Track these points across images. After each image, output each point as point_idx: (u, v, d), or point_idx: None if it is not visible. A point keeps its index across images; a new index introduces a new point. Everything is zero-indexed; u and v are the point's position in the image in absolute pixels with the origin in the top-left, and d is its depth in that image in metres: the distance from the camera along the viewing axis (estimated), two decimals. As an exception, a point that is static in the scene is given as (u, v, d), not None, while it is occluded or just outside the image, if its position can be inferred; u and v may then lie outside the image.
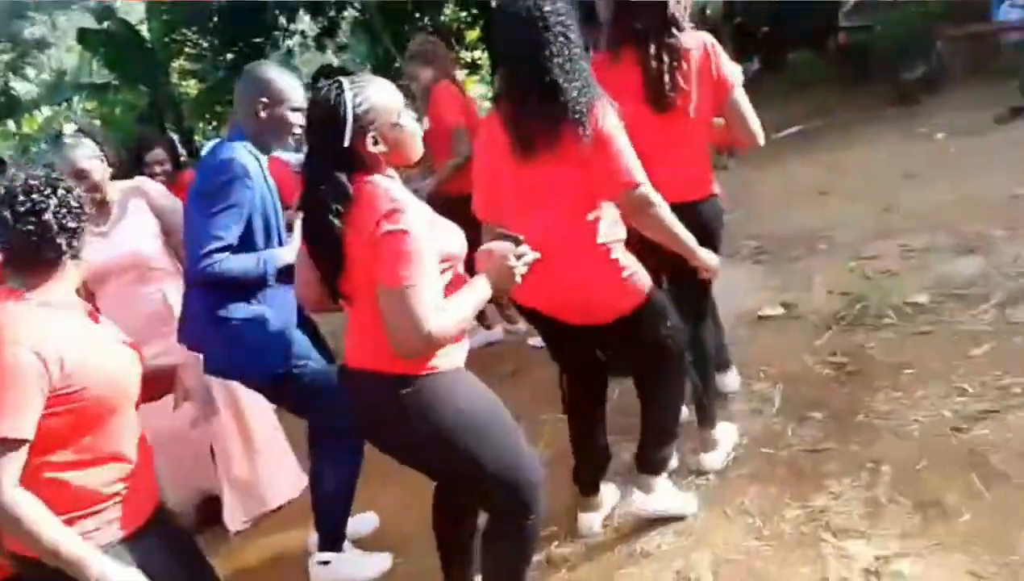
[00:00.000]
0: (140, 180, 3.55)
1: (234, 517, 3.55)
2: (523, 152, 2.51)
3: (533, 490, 2.27)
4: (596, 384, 2.95)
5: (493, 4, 11.21)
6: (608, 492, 3.05)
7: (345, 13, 13.58)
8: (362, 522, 3.28)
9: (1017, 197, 5.08)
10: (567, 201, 2.54)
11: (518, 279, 2.20)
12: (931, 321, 3.83)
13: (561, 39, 2.45)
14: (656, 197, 2.51)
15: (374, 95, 2.09)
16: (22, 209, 1.85)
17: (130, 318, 2.84)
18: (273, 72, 2.88)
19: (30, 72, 12.87)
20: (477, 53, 14.01)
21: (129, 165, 3.98)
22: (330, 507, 2.99)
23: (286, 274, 2.75)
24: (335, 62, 15.04)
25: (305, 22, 13.53)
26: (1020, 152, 6.03)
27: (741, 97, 2.89)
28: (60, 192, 1.90)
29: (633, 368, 2.87)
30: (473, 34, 13.86)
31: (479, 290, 2.14)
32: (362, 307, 2.09)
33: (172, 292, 3.31)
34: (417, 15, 12.34)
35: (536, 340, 4.68)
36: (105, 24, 12.32)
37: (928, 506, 2.66)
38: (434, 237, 2.06)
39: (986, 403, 3.10)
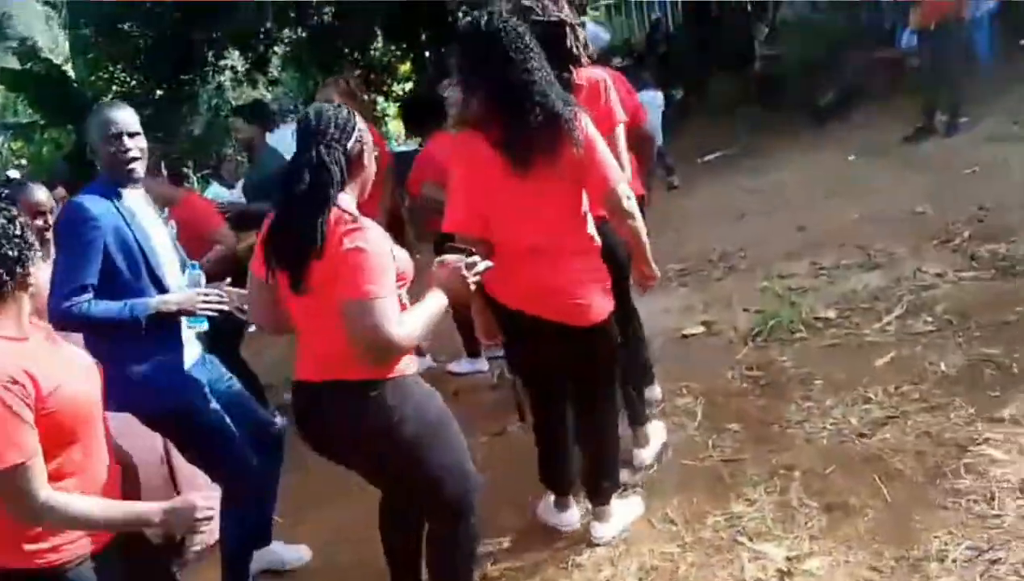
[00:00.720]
0: None
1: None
2: (521, 168, 2.57)
3: (476, 491, 2.43)
4: (559, 393, 3.04)
5: (455, 30, 11.39)
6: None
7: (276, 48, 13.61)
8: (292, 552, 3.34)
9: (919, 214, 5.41)
10: (563, 204, 2.67)
11: (471, 288, 2.35)
12: (838, 335, 4.08)
13: (532, 53, 2.55)
14: (631, 192, 2.67)
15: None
16: None
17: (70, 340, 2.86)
18: (103, 111, 2.88)
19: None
20: (408, 85, 14.14)
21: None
22: (232, 557, 3.02)
23: (168, 319, 2.79)
24: (267, 96, 15.07)
25: (234, 57, 13.52)
26: (923, 170, 6.43)
27: (620, 137, 2.99)
28: (1, 221, 1.90)
29: (577, 392, 2.99)
30: (404, 67, 14.03)
31: (435, 301, 2.28)
32: (321, 313, 2.18)
33: None
34: (346, 49, 12.44)
35: (455, 365, 4.96)
36: (28, 64, 12.15)
37: (835, 508, 2.85)
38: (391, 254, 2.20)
39: (888, 410, 3.33)
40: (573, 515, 3.15)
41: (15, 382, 1.82)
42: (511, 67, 2.54)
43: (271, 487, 3.13)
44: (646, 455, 3.38)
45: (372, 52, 12.94)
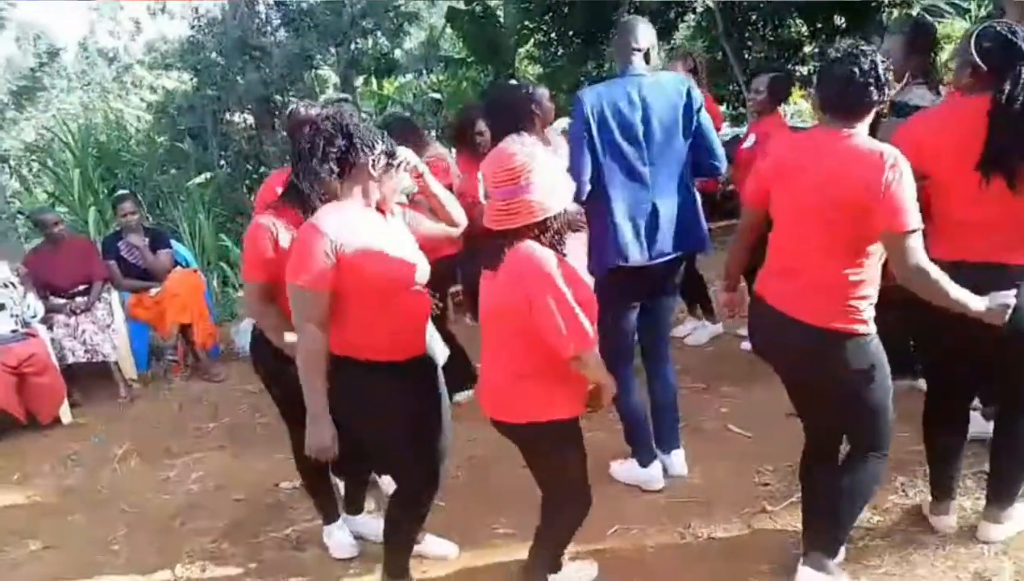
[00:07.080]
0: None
1: None
2: None
3: None
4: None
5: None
6: None
7: (685, 17, 13.86)
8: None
9: None
10: None
11: None
12: None
13: None
14: None
15: None
16: (845, 62, 2.58)
17: None
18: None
19: (407, 42, 14.47)
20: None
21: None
22: None
23: None
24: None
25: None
26: None
27: None
28: (873, 59, 2.57)
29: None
30: (807, 49, 13.54)
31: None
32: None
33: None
34: (761, 23, 12.37)
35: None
36: (471, 5, 13.57)
37: None
38: None
39: None
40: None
41: None
42: None
43: None
44: None
45: (784, 29, 12.67)
